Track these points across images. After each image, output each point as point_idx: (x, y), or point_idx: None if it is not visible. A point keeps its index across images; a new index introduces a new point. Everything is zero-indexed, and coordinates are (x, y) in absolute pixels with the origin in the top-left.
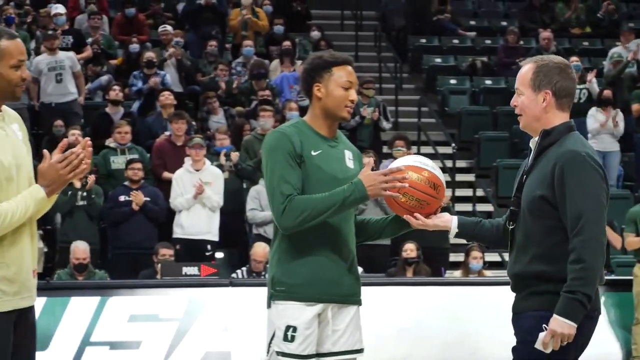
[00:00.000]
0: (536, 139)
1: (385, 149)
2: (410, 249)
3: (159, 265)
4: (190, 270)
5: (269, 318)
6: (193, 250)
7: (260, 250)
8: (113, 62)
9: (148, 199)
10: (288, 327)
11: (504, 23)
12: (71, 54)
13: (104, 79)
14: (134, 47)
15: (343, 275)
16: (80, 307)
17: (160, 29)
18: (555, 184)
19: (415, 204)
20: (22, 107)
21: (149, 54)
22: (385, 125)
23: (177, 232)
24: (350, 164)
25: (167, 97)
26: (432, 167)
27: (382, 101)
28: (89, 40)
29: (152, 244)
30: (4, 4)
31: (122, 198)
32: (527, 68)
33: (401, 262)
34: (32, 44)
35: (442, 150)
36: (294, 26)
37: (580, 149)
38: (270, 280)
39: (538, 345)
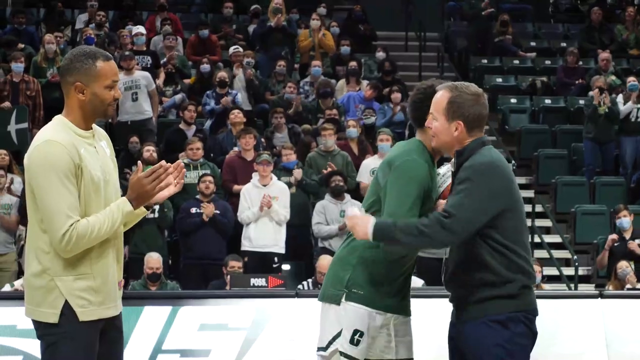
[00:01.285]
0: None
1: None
2: None
3: (228, 276)
4: (258, 281)
5: (335, 315)
6: (261, 263)
7: (325, 262)
8: (187, 81)
9: (218, 211)
10: (356, 332)
11: (564, 44)
12: (147, 73)
13: (178, 97)
14: (206, 67)
15: (405, 288)
16: (153, 316)
17: (232, 49)
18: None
19: None
20: (99, 124)
21: (222, 74)
22: None
23: (246, 245)
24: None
25: (236, 116)
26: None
27: None
28: (164, 60)
29: (221, 255)
30: (85, 26)
31: (193, 210)
32: (441, 95)
33: None
34: None
35: None
36: (360, 47)
37: (482, 160)
38: (345, 280)
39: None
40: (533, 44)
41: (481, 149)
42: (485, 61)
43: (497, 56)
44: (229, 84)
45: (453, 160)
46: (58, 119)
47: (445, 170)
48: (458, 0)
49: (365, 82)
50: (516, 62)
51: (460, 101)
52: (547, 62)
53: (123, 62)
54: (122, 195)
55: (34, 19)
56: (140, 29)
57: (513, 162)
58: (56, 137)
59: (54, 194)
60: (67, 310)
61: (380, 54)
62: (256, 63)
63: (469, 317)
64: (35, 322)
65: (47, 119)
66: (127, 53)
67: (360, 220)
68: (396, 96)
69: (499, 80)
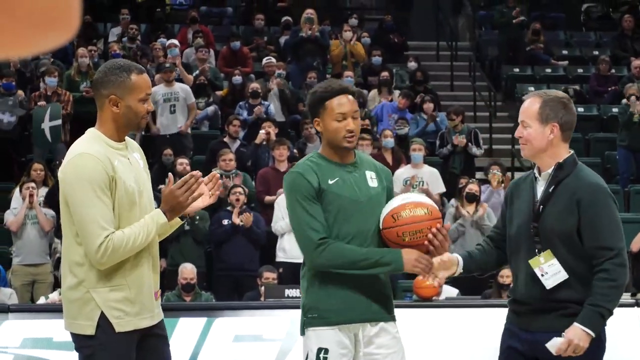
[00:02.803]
0: (549, 170)
1: (479, 175)
2: (506, 275)
3: (263, 287)
4: (292, 292)
5: (303, 344)
6: (295, 274)
7: None
8: (219, 93)
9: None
10: (320, 349)
11: (596, 52)
12: (186, 86)
13: (210, 109)
14: (237, 79)
15: (371, 295)
16: (188, 327)
17: (265, 60)
18: (582, 214)
19: (421, 236)
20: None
21: (254, 85)
22: (476, 151)
23: (280, 256)
24: (372, 182)
25: (268, 127)
26: (414, 197)
27: (474, 128)
28: (196, 72)
29: (254, 266)
30: (118, 39)
31: (225, 221)
32: (531, 102)
33: (496, 286)
34: None
35: None
36: (391, 57)
37: (599, 182)
38: (302, 308)
39: (550, 347)
40: (565, 52)
41: (580, 166)
42: (517, 70)
43: (529, 65)
44: (261, 95)
45: (535, 175)
46: (91, 131)
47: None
48: (489, 9)
49: (397, 92)
50: (548, 70)
51: (553, 104)
52: (580, 70)
53: (163, 74)
54: (156, 207)
55: None
56: (174, 41)
57: (590, 172)
58: (89, 149)
59: (89, 206)
60: (103, 322)
61: (412, 64)
62: (288, 74)
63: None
64: (72, 335)
65: (80, 132)
66: (167, 65)
67: (575, 338)
68: (428, 106)
69: (531, 89)
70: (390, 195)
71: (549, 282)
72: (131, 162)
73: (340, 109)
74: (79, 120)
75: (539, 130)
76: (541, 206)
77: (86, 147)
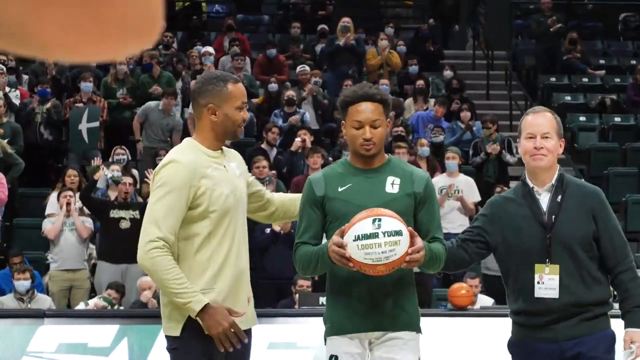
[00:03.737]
0: (552, 182)
1: (513, 184)
2: None
3: (297, 295)
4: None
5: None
6: None
7: None
8: (254, 100)
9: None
10: (331, 357)
11: (633, 62)
12: None
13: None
14: (273, 86)
15: (374, 307)
16: None
17: (299, 68)
18: (598, 220)
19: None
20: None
21: (290, 92)
22: (510, 159)
23: None
24: (391, 188)
25: (304, 134)
26: (389, 255)
27: (507, 137)
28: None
29: (292, 273)
30: (154, 47)
31: (267, 230)
32: (549, 116)
33: None
34: (179, 84)
35: None
36: (427, 66)
37: (596, 187)
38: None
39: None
40: (602, 61)
41: (567, 175)
42: (554, 79)
43: (566, 74)
44: (297, 102)
45: (532, 189)
46: (188, 140)
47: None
48: (525, 18)
49: (432, 101)
50: (585, 79)
51: (559, 120)
52: (617, 79)
53: None
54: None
55: None
56: (209, 48)
57: (583, 180)
58: (181, 157)
59: (159, 204)
60: (190, 323)
61: (448, 73)
62: (324, 82)
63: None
64: (165, 337)
65: (115, 139)
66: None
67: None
68: (465, 115)
69: (568, 98)
70: (423, 201)
71: (539, 292)
72: (227, 171)
73: (357, 116)
74: (115, 128)
75: (556, 144)
76: (553, 216)
77: (178, 155)
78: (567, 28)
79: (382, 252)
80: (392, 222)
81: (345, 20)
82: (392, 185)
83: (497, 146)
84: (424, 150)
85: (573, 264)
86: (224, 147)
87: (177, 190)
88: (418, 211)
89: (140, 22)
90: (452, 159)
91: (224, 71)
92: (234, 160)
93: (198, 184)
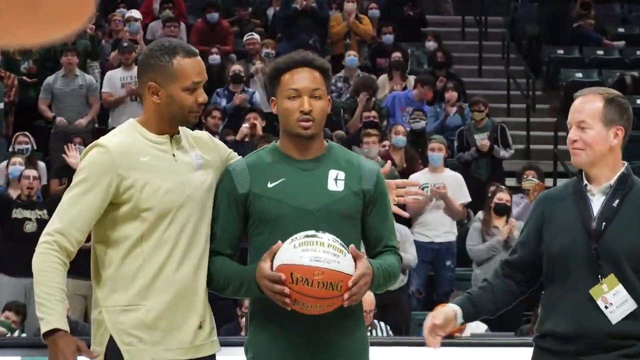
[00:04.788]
0: (610, 182)
1: (510, 182)
2: None
3: (243, 319)
4: None
5: None
6: None
7: None
8: None
9: None
10: None
11: None
12: None
13: None
14: (215, 58)
15: (312, 334)
16: None
17: (247, 37)
18: None
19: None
20: (86, 132)
21: (236, 67)
22: (504, 153)
23: None
24: (334, 185)
25: (254, 119)
26: (330, 259)
27: (500, 123)
28: None
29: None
30: None
31: None
32: (592, 99)
33: (535, 321)
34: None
35: None
36: (405, 34)
37: None
38: None
39: None
40: (621, 30)
41: (635, 177)
42: (562, 52)
43: (576, 45)
44: (244, 79)
45: (585, 187)
46: (129, 121)
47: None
48: None
49: (412, 78)
50: (600, 52)
51: (618, 104)
52: (639, 52)
53: (120, 55)
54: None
55: None
56: (134, 12)
57: None
58: (107, 140)
59: (69, 194)
60: (113, 348)
61: (431, 44)
62: (277, 54)
63: None
64: None
65: (23, 123)
66: (125, 44)
67: None
68: (451, 95)
69: (579, 75)
70: (373, 201)
71: (615, 315)
72: (177, 160)
73: (292, 84)
74: (18, 110)
75: (602, 134)
76: (604, 223)
77: (107, 138)
78: None
79: (323, 252)
80: (333, 236)
81: None
82: (336, 181)
83: (485, 140)
84: (399, 139)
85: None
86: (184, 131)
87: (94, 179)
88: (367, 213)
89: (71, 5)
90: (437, 151)
91: (179, 40)
92: (198, 147)
93: (125, 174)
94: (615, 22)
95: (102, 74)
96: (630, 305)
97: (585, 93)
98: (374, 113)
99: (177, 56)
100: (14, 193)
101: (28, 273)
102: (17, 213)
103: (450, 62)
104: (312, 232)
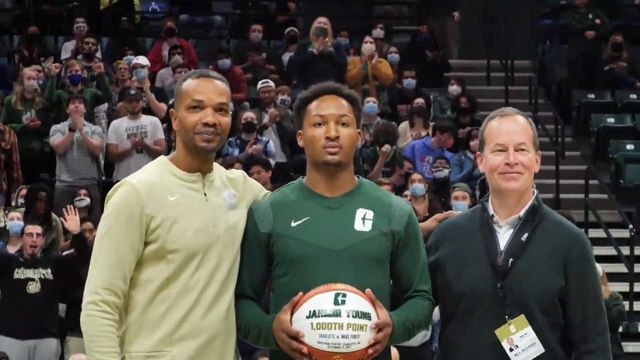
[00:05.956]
0: (520, 214)
1: None
2: None
3: None
4: None
5: None
6: None
7: None
8: None
9: None
10: None
11: None
12: (155, 119)
13: None
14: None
15: None
16: None
17: (261, 84)
18: (570, 274)
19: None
20: (93, 183)
21: (248, 114)
22: None
23: None
24: (362, 225)
25: (257, 172)
26: (350, 342)
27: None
28: (172, 100)
29: (252, 347)
30: (70, 57)
31: None
32: (525, 120)
33: None
34: (104, 105)
35: (616, 234)
36: (428, 79)
37: (582, 231)
38: None
39: None
40: None
41: (545, 207)
42: (593, 96)
43: (608, 89)
44: (257, 127)
45: (490, 217)
46: (159, 158)
47: None
48: (555, 17)
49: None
50: (633, 96)
51: (534, 128)
52: None
53: (127, 104)
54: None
55: (5, 49)
56: (141, 59)
57: (631, 226)
58: (133, 178)
59: (102, 243)
60: None
61: (455, 88)
62: (293, 101)
63: None
64: None
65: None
66: (132, 92)
67: None
68: (476, 143)
69: (611, 120)
70: (404, 243)
71: (520, 359)
72: (208, 200)
73: (319, 110)
74: (20, 162)
75: (533, 159)
76: (511, 259)
77: (134, 176)
78: (609, 29)
79: (342, 337)
80: (359, 301)
81: (321, 21)
82: (364, 220)
83: None
84: (416, 187)
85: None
86: (218, 170)
87: (125, 221)
88: (398, 256)
89: None
90: (462, 199)
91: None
92: (233, 187)
93: (152, 213)
94: None
95: (109, 125)
96: (537, 350)
97: (509, 113)
98: (410, 164)
99: (189, 78)
100: (12, 249)
101: (32, 334)
102: (20, 273)
103: (475, 107)
104: (335, 304)
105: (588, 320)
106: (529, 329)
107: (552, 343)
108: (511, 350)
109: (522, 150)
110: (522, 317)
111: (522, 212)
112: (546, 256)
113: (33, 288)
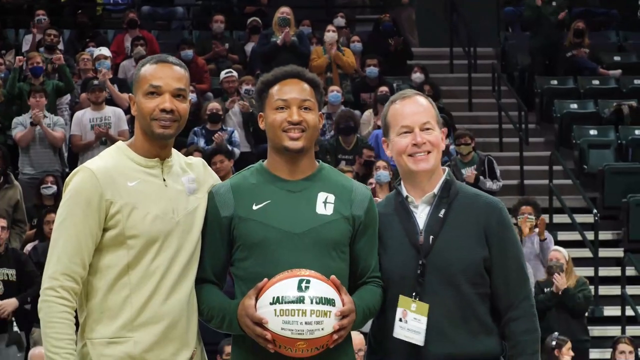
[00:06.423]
0: (434, 190)
1: None
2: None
3: None
4: None
5: None
6: None
7: None
8: None
9: None
10: None
11: None
12: (119, 110)
13: None
14: (191, 96)
15: None
16: None
17: (224, 74)
18: (492, 242)
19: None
20: (56, 175)
21: (213, 105)
22: (491, 185)
23: None
24: (323, 208)
25: (221, 162)
26: (314, 329)
27: (487, 155)
28: None
29: (218, 337)
30: (35, 48)
31: None
32: (424, 98)
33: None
34: (67, 97)
35: (580, 219)
36: (391, 67)
37: (500, 201)
38: None
39: None
40: (617, 58)
41: (458, 182)
42: (555, 82)
43: (571, 76)
44: (222, 117)
45: (405, 198)
46: (116, 144)
47: None
48: (517, 4)
49: None
50: (596, 82)
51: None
52: (636, 81)
53: (90, 95)
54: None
55: None
56: (104, 50)
57: (595, 211)
58: (92, 163)
59: (60, 228)
60: None
61: (418, 76)
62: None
63: None
64: None
65: None
66: (95, 82)
67: None
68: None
69: (574, 106)
70: (364, 228)
71: (399, 332)
72: (167, 185)
73: (281, 94)
74: None
75: (439, 136)
76: (431, 237)
77: (92, 161)
78: (571, 16)
79: (305, 323)
80: (323, 287)
81: (284, 11)
82: (325, 204)
83: (472, 171)
84: (381, 174)
85: (454, 302)
86: (177, 156)
87: (83, 206)
88: (356, 240)
89: None
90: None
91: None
92: (192, 172)
93: (112, 199)
94: (611, 51)
95: (72, 116)
96: (418, 340)
97: (409, 95)
98: (370, 152)
99: (148, 64)
100: None
101: None
102: None
103: (438, 95)
104: (299, 291)
105: (511, 287)
106: (423, 320)
107: (481, 314)
108: (400, 320)
109: (428, 129)
110: (425, 306)
111: (436, 189)
112: (466, 229)
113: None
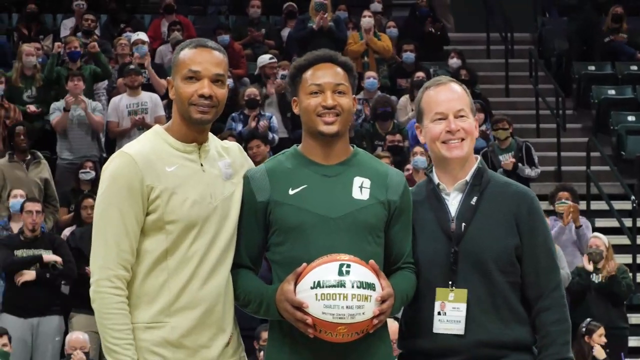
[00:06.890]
0: (467, 178)
1: (542, 205)
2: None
3: (262, 352)
4: None
5: None
6: None
7: None
8: None
9: None
10: None
11: None
12: (155, 95)
13: None
14: (228, 82)
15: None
16: None
17: (261, 59)
18: (522, 231)
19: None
20: (94, 161)
21: (251, 90)
22: (529, 172)
23: None
24: (359, 193)
25: (257, 147)
26: (355, 313)
27: (525, 142)
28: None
29: (255, 322)
30: (72, 33)
31: None
32: (459, 87)
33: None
34: (104, 82)
35: (618, 205)
36: (427, 53)
37: (527, 188)
38: None
39: None
40: None
41: (490, 170)
42: (593, 68)
43: (609, 61)
44: (260, 102)
45: (437, 186)
46: (154, 128)
47: None
48: None
49: None
50: (634, 68)
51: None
52: None
53: (127, 79)
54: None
55: (4, 27)
56: (141, 35)
57: (633, 198)
58: (130, 148)
59: (104, 216)
60: None
61: (455, 61)
62: None
63: None
64: None
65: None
66: (132, 67)
67: None
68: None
69: (612, 92)
70: (399, 213)
71: (439, 326)
72: (204, 170)
73: (315, 79)
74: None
75: (473, 125)
76: (463, 224)
77: (130, 146)
78: (610, 1)
79: (347, 307)
80: (363, 271)
81: None
82: (361, 188)
83: (510, 159)
84: (418, 160)
85: (486, 289)
86: (213, 140)
87: (126, 192)
88: (391, 225)
89: None
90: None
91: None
92: (229, 156)
93: (152, 184)
94: None
95: (109, 102)
96: (459, 328)
97: (444, 82)
98: (397, 136)
99: (187, 48)
100: (15, 227)
101: (35, 313)
102: (21, 253)
103: (475, 80)
104: (339, 275)
105: (541, 276)
106: (462, 307)
107: (513, 302)
108: (439, 314)
109: (462, 116)
110: (464, 292)
111: (468, 177)
112: (497, 217)
113: (35, 268)
